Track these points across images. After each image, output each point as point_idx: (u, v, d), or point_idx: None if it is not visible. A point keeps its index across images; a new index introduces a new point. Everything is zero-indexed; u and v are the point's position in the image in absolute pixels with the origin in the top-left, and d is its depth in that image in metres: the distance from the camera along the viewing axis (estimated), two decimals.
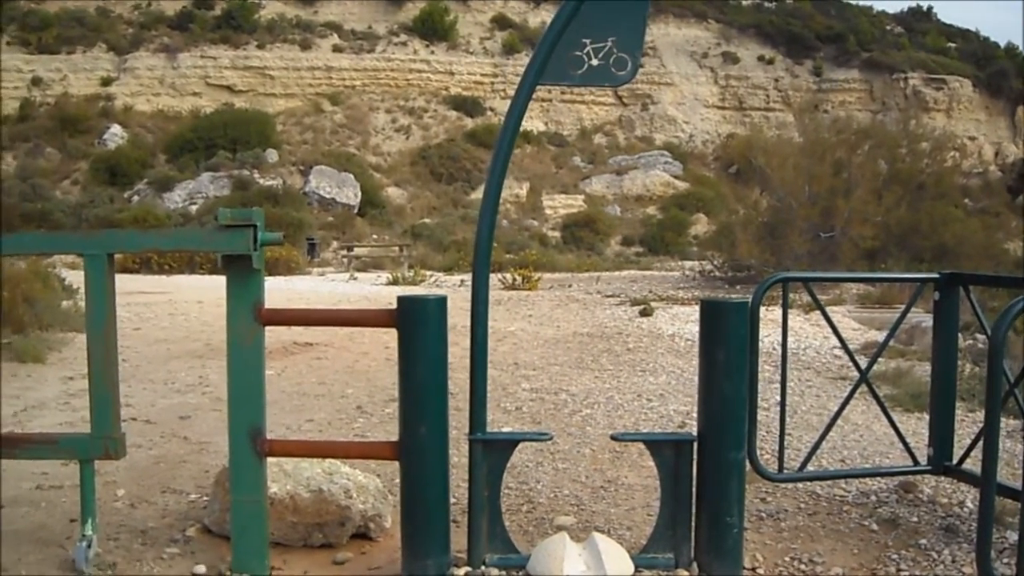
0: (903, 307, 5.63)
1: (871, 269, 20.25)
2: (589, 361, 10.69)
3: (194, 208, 40.77)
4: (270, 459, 4.10)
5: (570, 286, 23.64)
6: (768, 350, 9.59)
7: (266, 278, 4.12)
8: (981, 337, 7.39)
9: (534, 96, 4.26)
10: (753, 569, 4.36)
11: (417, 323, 3.92)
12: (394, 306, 3.98)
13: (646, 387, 8.99)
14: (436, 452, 3.95)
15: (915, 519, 4.99)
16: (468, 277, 4.34)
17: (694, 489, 4.19)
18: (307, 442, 5.57)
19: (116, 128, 50.27)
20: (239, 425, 3.91)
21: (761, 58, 66.47)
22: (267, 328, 4.03)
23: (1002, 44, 72.34)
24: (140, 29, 58.32)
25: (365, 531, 4.64)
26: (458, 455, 5.32)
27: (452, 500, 4.36)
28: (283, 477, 4.50)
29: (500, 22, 64.23)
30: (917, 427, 6.76)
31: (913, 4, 79.14)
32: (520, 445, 5.20)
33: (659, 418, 7.62)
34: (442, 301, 3.98)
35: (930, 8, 78.87)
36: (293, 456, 4.49)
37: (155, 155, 48.25)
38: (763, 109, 63.50)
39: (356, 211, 44.79)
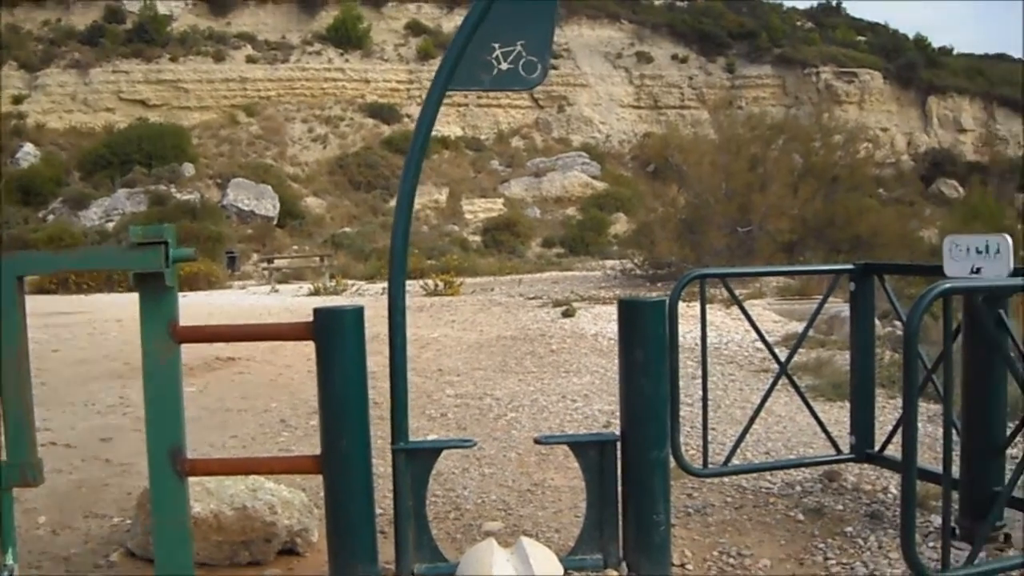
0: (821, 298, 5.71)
1: (789, 262, 20.55)
2: (513, 364, 10.70)
3: (111, 225, 40.16)
4: (192, 478, 4.03)
5: (492, 290, 23.64)
6: (690, 346, 9.66)
7: (186, 293, 4.07)
8: (898, 324, 7.51)
9: (451, 101, 4.26)
10: (682, 565, 4.39)
11: (334, 335, 3.88)
12: (311, 318, 3.94)
13: (570, 388, 9.02)
14: (359, 464, 3.91)
15: (840, 507, 5.06)
16: None
17: (620, 488, 4.20)
18: (229, 460, 5.49)
19: (29, 146, 49.30)
20: (158, 445, 3.83)
21: (675, 57, 67.03)
22: (188, 344, 3.96)
23: (911, 36, 73.90)
24: (50, 45, 57.29)
25: (292, 547, 4.59)
26: (383, 465, 5.29)
27: (378, 511, 4.34)
28: (206, 496, 4.44)
29: (414, 28, 64.02)
30: (839, 416, 6.86)
31: None
32: (445, 452, 5.18)
33: (584, 419, 7.65)
34: (358, 312, 3.95)
35: (839, 3, 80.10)
36: (215, 475, 4.42)
37: (69, 173, 47.48)
38: (678, 107, 64.04)
39: (275, 222, 44.41)
